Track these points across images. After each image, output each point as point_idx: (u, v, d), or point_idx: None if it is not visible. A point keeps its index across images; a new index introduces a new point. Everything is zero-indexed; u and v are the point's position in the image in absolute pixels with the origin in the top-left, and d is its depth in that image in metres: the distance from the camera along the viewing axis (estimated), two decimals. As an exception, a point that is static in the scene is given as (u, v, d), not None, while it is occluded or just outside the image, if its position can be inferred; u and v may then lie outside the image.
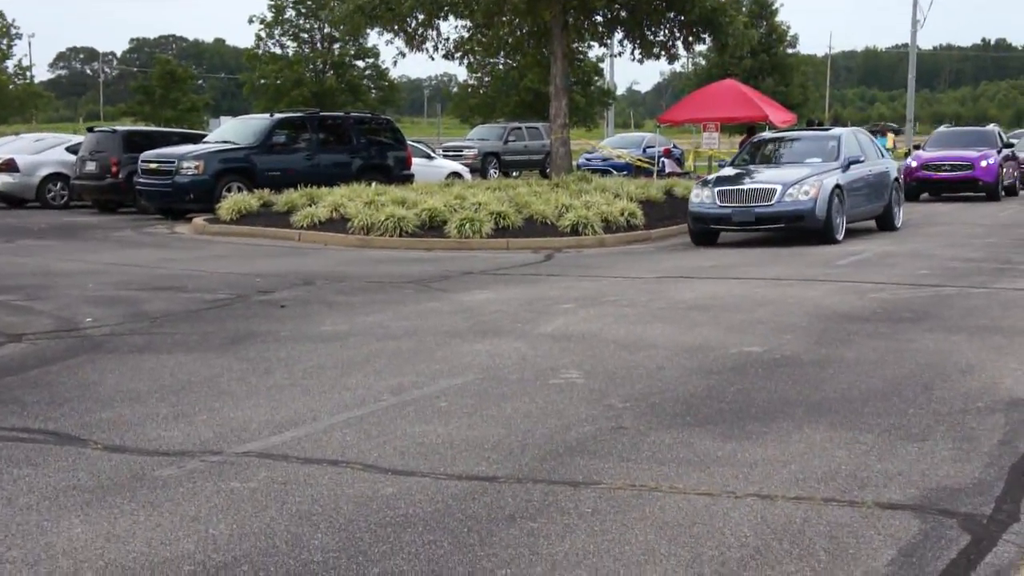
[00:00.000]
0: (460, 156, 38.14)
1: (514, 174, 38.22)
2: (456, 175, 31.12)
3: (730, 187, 18.42)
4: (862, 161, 19.57)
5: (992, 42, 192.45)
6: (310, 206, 20.42)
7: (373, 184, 22.41)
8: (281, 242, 19.36)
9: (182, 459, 6.15)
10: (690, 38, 25.29)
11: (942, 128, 36.39)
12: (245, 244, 19.08)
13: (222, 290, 13.01)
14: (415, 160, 27.97)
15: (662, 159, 32.26)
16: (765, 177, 18.66)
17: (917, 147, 33.25)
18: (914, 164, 30.43)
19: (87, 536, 4.97)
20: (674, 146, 38.30)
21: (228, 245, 18.90)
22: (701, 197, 18.58)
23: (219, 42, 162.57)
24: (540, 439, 6.48)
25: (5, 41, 67.25)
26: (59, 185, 28.25)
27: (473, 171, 35.48)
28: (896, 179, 21.29)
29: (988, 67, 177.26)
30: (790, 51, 56.80)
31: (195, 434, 6.66)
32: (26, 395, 7.72)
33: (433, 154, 33.93)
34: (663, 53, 25.44)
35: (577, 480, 5.72)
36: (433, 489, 5.59)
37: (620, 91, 63.83)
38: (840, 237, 18.33)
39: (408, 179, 25.59)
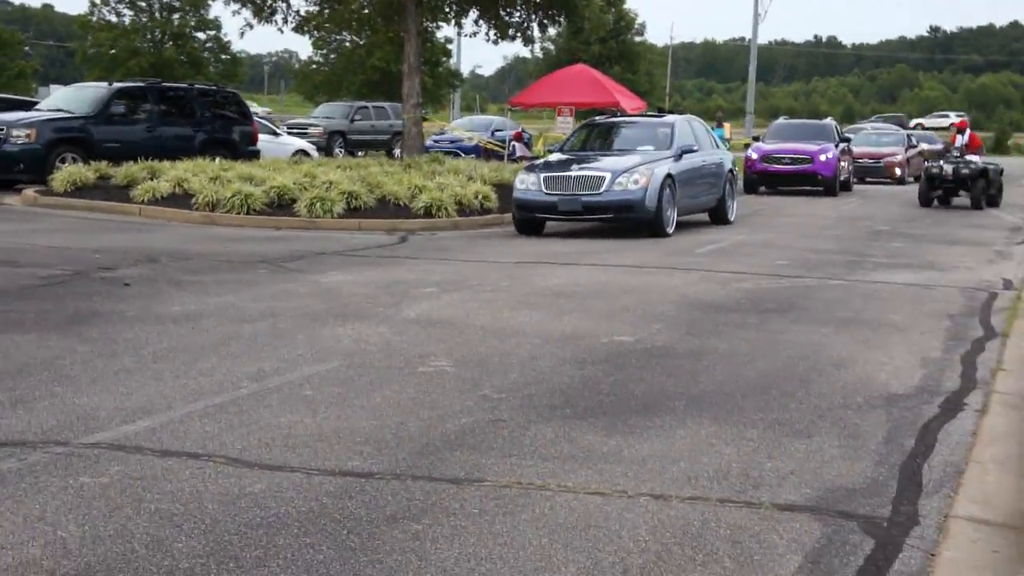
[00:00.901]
0: (306, 134, 37.28)
1: (360, 154, 37.52)
2: (303, 153, 30.37)
3: (557, 174, 17.50)
4: (695, 151, 18.88)
5: (824, 39, 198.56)
6: (151, 180, 19.57)
7: (218, 159, 21.62)
8: (121, 217, 18.49)
9: (23, 450, 5.60)
10: (545, 20, 25.11)
11: (780, 120, 36.28)
12: (82, 218, 18.16)
13: (58, 266, 12.25)
14: (261, 137, 27.16)
15: (513, 143, 32.05)
16: (594, 164, 17.82)
17: (756, 138, 33.08)
18: (754, 156, 29.99)
19: (-84, 540, 4.43)
20: (523, 130, 38.14)
21: (63, 219, 17.96)
22: (527, 184, 17.61)
23: (47, 8, 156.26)
24: (415, 431, 6.12)
25: None
26: None
27: (319, 149, 34.72)
28: (731, 171, 20.75)
29: (820, 63, 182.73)
30: (637, 39, 57.37)
31: (36, 422, 6.09)
32: None
33: (279, 131, 33.06)
34: (518, 35, 25.20)
35: (459, 477, 5.38)
36: (305, 486, 5.18)
37: (464, 74, 63.45)
38: (671, 230, 17.60)
39: (254, 155, 24.80)
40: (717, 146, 21.24)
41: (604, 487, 5.28)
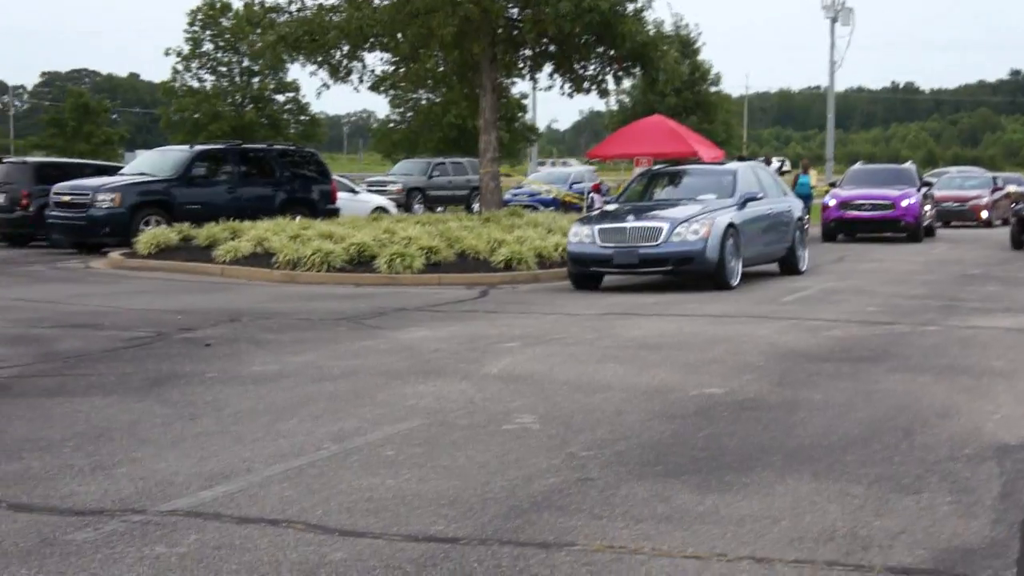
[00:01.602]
0: (384, 191, 37.47)
1: (439, 209, 37.61)
2: (382, 210, 30.45)
3: (612, 225, 16.61)
4: (760, 198, 17.83)
5: (901, 85, 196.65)
6: (232, 240, 19.65)
7: (298, 218, 21.68)
8: (203, 277, 18.55)
9: (99, 519, 5.43)
10: (620, 72, 24.95)
11: (858, 165, 34.87)
12: (165, 280, 18.24)
13: (141, 328, 12.22)
14: (340, 195, 27.28)
15: (591, 195, 31.84)
16: (651, 215, 16.89)
17: (833, 184, 31.91)
18: (832, 203, 28.85)
19: (-12, 616, 4.26)
20: (601, 182, 37.96)
21: (146, 281, 18.05)
22: (580, 236, 16.75)
23: (133, 76, 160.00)
24: (500, 493, 5.86)
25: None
26: (-34, 218, 27.01)
27: (398, 206, 34.83)
28: (800, 218, 19.62)
29: (898, 109, 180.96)
30: (713, 89, 57.03)
31: (114, 489, 5.93)
32: (-78, 445, 6.92)
33: (357, 188, 33.23)
34: (593, 87, 25.06)
35: (548, 541, 5.10)
36: (388, 552, 4.94)
37: (540, 129, 63.51)
38: (735, 282, 16.57)
39: (333, 213, 24.89)
40: (785, 192, 20.29)
41: (702, 550, 4.97)
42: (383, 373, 9.38)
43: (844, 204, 28.54)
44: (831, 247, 26.34)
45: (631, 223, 16.52)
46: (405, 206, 37.13)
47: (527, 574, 4.68)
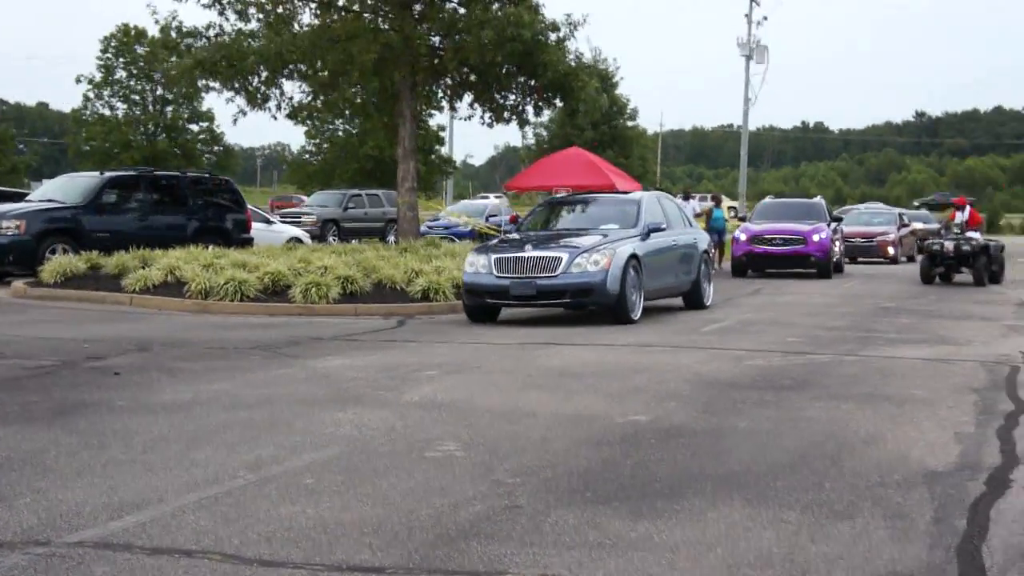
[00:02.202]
0: (299, 222, 37.03)
1: (353, 242, 37.26)
2: (296, 240, 30.04)
3: (509, 255, 15.80)
4: (663, 229, 17.18)
5: (811, 125, 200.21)
6: (143, 269, 19.16)
7: (211, 247, 21.25)
8: (112, 307, 18.07)
9: (0, 552, 5.11)
10: (540, 102, 24.95)
11: (768, 200, 34.26)
12: (72, 309, 17.72)
13: (46, 356, 11.79)
14: (254, 225, 26.85)
15: (509, 226, 31.75)
16: (550, 244, 16.15)
17: (743, 218, 31.31)
18: (743, 237, 28.06)
19: None
20: (517, 216, 37.92)
21: (52, 310, 17.52)
22: (476, 266, 16.00)
23: (42, 105, 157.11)
24: (426, 520, 5.65)
25: None
26: None
27: (312, 237, 34.41)
28: (706, 251, 19.12)
29: (808, 149, 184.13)
30: (630, 123, 57.54)
31: (16, 521, 5.61)
32: None
33: (272, 219, 32.79)
34: (513, 117, 25.02)
35: (478, 570, 4.91)
36: (309, 584, 4.70)
37: (457, 162, 63.38)
38: (636, 316, 15.90)
39: (248, 243, 24.46)
40: (690, 224, 19.68)
41: (637, 578, 4.80)
42: (300, 401, 9.12)
43: (754, 239, 27.91)
44: (746, 281, 26.52)
45: (529, 252, 15.78)
46: (320, 238, 36.71)
47: (456, 604, 4.47)
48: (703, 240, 19.38)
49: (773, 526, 5.60)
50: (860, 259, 36.01)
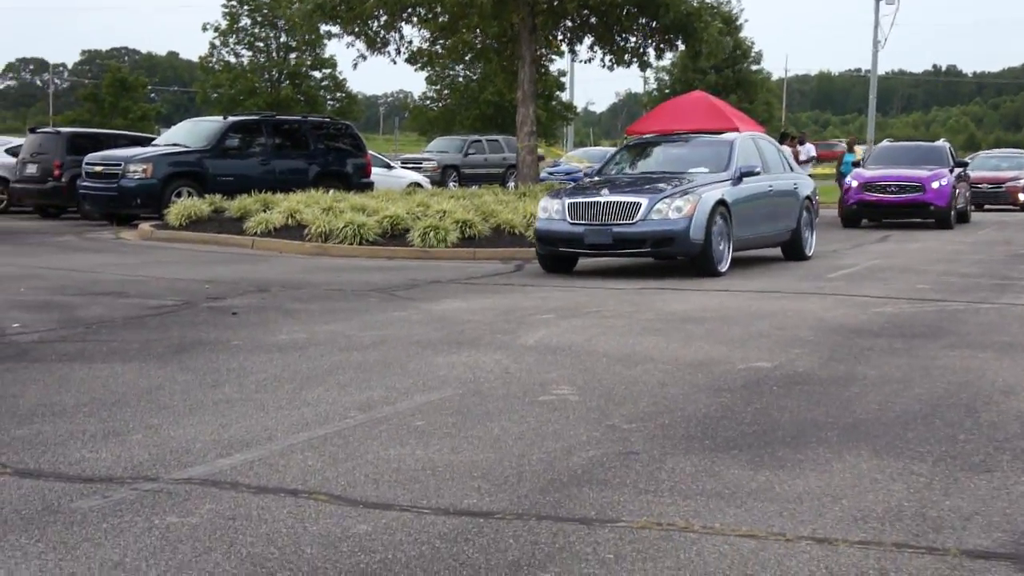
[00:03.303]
0: (420, 168, 37.11)
1: (474, 187, 37.24)
2: (417, 185, 30.08)
3: (585, 199, 14.56)
4: (758, 173, 15.70)
5: (943, 68, 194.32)
6: (264, 212, 19.34)
7: (331, 191, 21.33)
8: (234, 249, 18.26)
9: (109, 487, 5.08)
10: (662, 44, 24.41)
11: (885, 143, 31.56)
12: (195, 251, 17.96)
13: (167, 296, 11.91)
14: (374, 170, 26.92)
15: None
16: (630, 189, 14.86)
17: (857, 164, 28.58)
18: (854, 184, 25.80)
19: (-20, 587, 3.90)
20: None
21: (177, 252, 17.77)
22: (549, 211, 14.79)
23: (172, 55, 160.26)
24: (538, 465, 5.47)
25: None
26: (-2, 188, 26.90)
27: (433, 183, 34.44)
28: (808, 197, 17.51)
29: (939, 93, 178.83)
30: (754, 68, 56.33)
31: (127, 456, 5.58)
32: (-68, 408, 6.60)
33: (392, 164, 32.88)
34: (634, 60, 24.54)
35: (590, 517, 4.70)
36: (416, 526, 4.56)
37: (577, 110, 62.86)
38: (724, 268, 14.58)
39: (368, 187, 24.50)
40: (790, 168, 18.06)
41: (757, 529, 4.55)
42: (414, 343, 9.01)
43: (867, 185, 25.57)
44: (873, 229, 25.63)
45: (605, 197, 14.54)
46: (440, 183, 36.72)
47: (567, 551, 4.28)
48: (806, 186, 17.85)
49: (903, 478, 5.29)
50: (987, 206, 34.27)
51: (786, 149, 26.53)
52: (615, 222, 14.23)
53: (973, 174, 32.24)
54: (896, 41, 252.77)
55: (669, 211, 14.16)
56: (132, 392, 7.10)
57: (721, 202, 14.64)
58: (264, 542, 4.36)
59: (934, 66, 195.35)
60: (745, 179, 15.50)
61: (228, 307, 11.07)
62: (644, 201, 14.27)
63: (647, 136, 19.33)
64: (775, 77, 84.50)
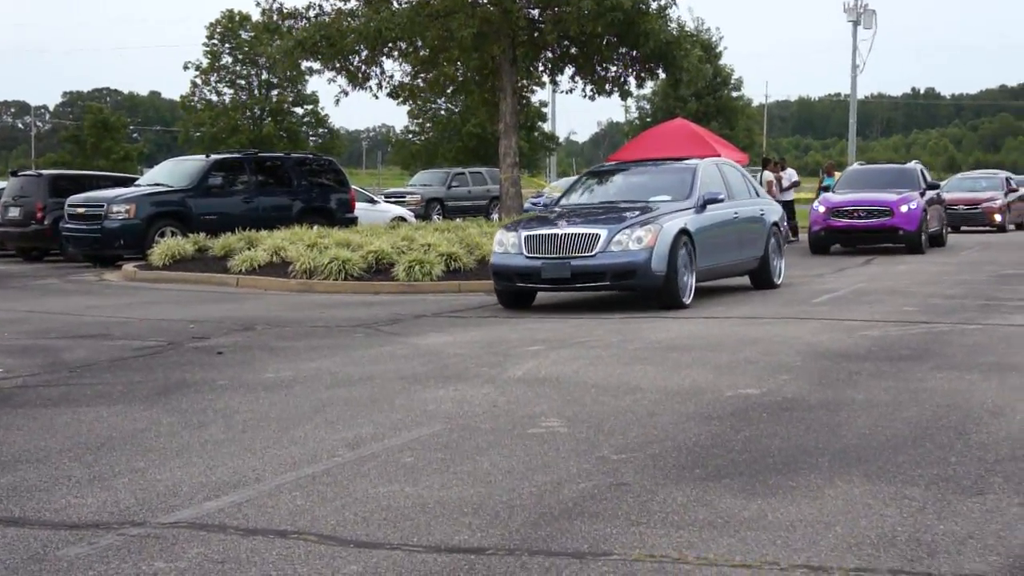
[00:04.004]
0: (403, 202, 37.12)
1: (458, 220, 37.25)
2: (401, 219, 30.06)
3: (541, 231, 13.83)
4: (722, 200, 15.00)
5: (922, 91, 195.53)
6: (249, 250, 19.29)
7: (315, 227, 21.29)
8: (218, 288, 18.20)
9: (95, 533, 5.02)
10: (643, 73, 24.51)
11: (855, 166, 30.06)
12: (179, 291, 17.89)
13: (152, 337, 11.84)
14: (358, 205, 26.92)
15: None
16: (588, 220, 14.16)
17: (826, 188, 27.59)
18: (821, 210, 24.62)
19: (-36, 639, 3.84)
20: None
21: (160, 292, 17.70)
22: (505, 245, 14.10)
23: (154, 95, 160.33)
24: (528, 499, 5.43)
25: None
26: (-19, 232, 26.78)
27: (417, 217, 34.45)
28: (776, 223, 16.85)
29: (919, 116, 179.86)
30: (735, 94, 56.59)
31: (113, 501, 5.53)
32: (-85, 457, 6.53)
33: (376, 198, 32.88)
34: (615, 89, 24.63)
35: (582, 550, 4.67)
36: (407, 565, 4.51)
37: (559, 140, 63.05)
38: (688, 300, 13.92)
39: (352, 222, 24.47)
40: (756, 194, 17.34)
41: (751, 559, 4.52)
42: (401, 378, 8.97)
43: (833, 211, 24.36)
44: (857, 253, 25.52)
45: (563, 229, 13.81)
46: (424, 217, 36.74)
47: (560, 587, 4.24)
48: (772, 211, 17.15)
49: (896, 503, 5.26)
50: (964, 228, 33.72)
51: (768, 175, 26.71)
52: (573, 255, 13.57)
53: (949, 195, 31.90)
54: (875, 65, 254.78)
55: (629, 242, 13.50)
56: (117, 435, 7.05)
57: (684, 231, 14.00)
58: (253, 585, 4.31)
59: (913, 89, 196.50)
60: (709, 206, 14.88)
61: (213, 347, 11.02)
62: (603, 232, 13.61)
63: (608, 164, 18.93)
64: (755, 103, 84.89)
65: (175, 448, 6.65)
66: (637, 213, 14.13)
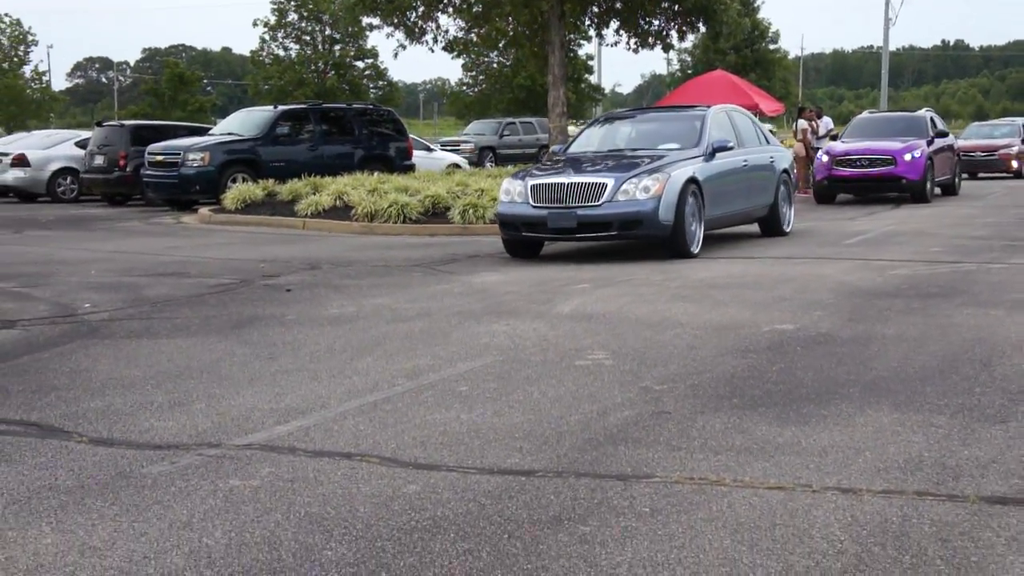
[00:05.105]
0: (458, 150, 37.02)
1: (509, 167, 37.13)
2: (455, 166, 30.02)
3: (547, 180, 12.94)
4: (731, 148, 14.04)
5: (952, 43, 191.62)
6: (314, 195, 19.34)
7: (375, 174, 21.31)
8: (286, 230, 18.29)
9: (175, 453, 5.10)
10: (684, 27, 24.17)
11: (863, 115, 27.51)
12: (250, 232, 18.01)
13: (226, 275, 11.95)
14: (416, 153, 26.87)
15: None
16: (595, 168, 13.22)
17: (834, 137, 25.59)
18: (825, 159, 22.77)
19: (58, 547, 3.93)
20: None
21: (233, 234, 17.82)
22: (511, 194, 13.21)
23: (226, 51, 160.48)
24: (576, 426, 5.44)
25: (22, 48, 66.02)
26: (69, 179, 27.07)
27: (471, 164, 34.37)
28: (785, 170, 15.85)
29: (948, 67, 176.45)
30: (772, 47, 55.77)
31: (192, 424, 5.60)
32: (11, 383, 6.66)
33: (432, 147, 32.83)
34: (658, 42, 24.33)
35: (626, 473, 4.67)
36: (462, 485, 4.55)
37: (605, 90, 62.51)
38: (695, 249, 13.01)
39: (410, 169, 24.46)
40: (767, 141, 16.16)
41: (785, 481, 4.51)
42: (456, 314, 8.99)
43: (837, 160, 22.54)
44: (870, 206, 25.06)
45: (569, 178, 12.89)
46: (477, 164, 36.64)
47: (606, 507, 4.25)
48: (782, 158, 16.13)
49: (922, 430, 5.22)
50: (981, 174, 32.57)
51: (803, 122, 26.30)
52: (579, 204, 12.68)
53: (967, 143, 31.15)
54: (906, 18, 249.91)
55: (636, 191, 12.58)
56: (195, 365, 7.13)
57: (692, 180, 13.09)
58: (320, 502, 4.36)
59: (943, 41, 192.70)
60: (718, 155, 13.89)
61: (282, 284, 11.10)
62: (610, 181, 12.69)
63: (618, 112, 18.14)
64: (791, 56, 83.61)
65: (247, 377, 6.73)
66: (645, 161, 13.25)
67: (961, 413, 5.52)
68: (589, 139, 15.28)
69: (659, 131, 14.77)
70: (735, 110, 16.14)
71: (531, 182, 13.07)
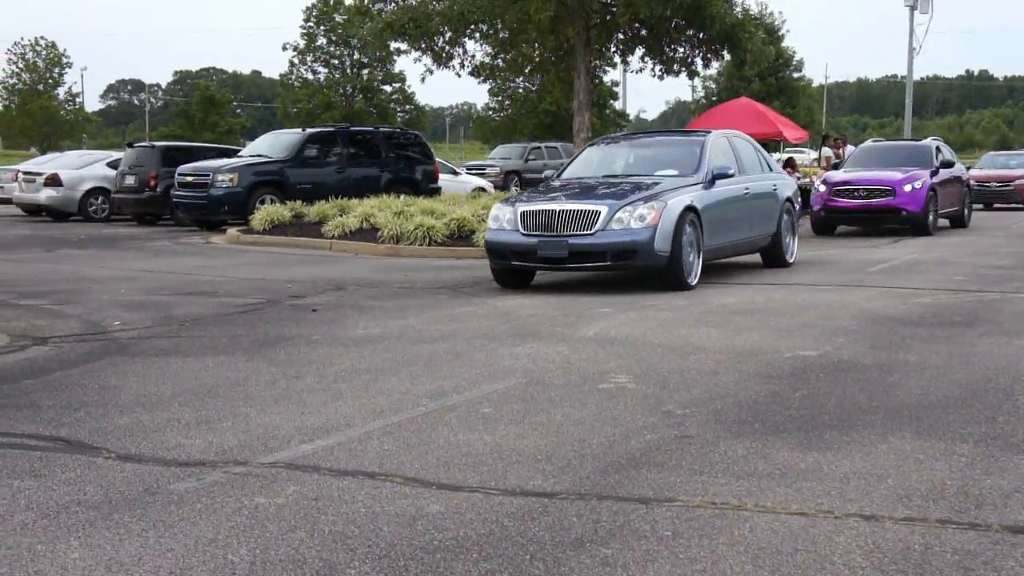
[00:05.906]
0: (484, 174, 37.17)
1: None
2: (481, 190, 30.10)
3: (538, 207, 12.22)
4: (732, 175, 13.36)
5: (975, 73, 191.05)
6: (341, 216, 19.44)
7: (402, 196, 21.39)
8: (312, 251, 18.37)
9: (202, 470, 5.12)
10: (709, 54, 24.20)
11: (868, 143, 26.20)
12: (277, 253, 18.09)
13: (253, 295, 12.00)
14: (442, 176, 26.97)
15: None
16: (588, 195, 12.51)
17: (836, 166, 24.66)
18: (822, 188, 21.45)
19: (85, 562, 3.95)
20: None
21: (261, 254, 17.92)
22: (500, 221, 12.52)
23: (256, 74, 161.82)
24: (598, 449, 5.43)
25: (57, 70, 66.76)
26: (100, 199, 27.29)
27: (496, 188, 34.49)
28: (789, 199, 15.12)
29: (972, 96, 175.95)
30: (796, 75, 55.78)
31: (218, 442, 5.63)
32: (42, 399, 6.71)
33: (458, 170, 32.95)
34: (683, 69, 24.36)
35: (648, 496, 4.66)
36: (485, 507, 4.54)
37: (630, 116, 62.67)
38: (693, 281, 12.35)
39: (436, 192, 24.55)
40: (769, 168, 15.46)
41: (807, 507, 4.49)
42: (480, 336, 9.00)
43: (835, 190, 21.21)
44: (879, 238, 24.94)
45: (561, 205, 12.18)
46: (503, 188, 36.75)
47: (627, 529, 4.25)
48: (786, 186, 15.33)
49: (945, 458, 5.19)
50: (996, 205, 31.69)
51: (827, 150, 26.25)
52: (571, 232, 11.99)
53: (981, 173, 30.71)
54: (930, 48, 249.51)
55: (631, 220, 11.92)
56: (222, 383, 7.16)
57: (690, 208, 12.40)
58: (344, 521, 4.37)
59: (967, 71, 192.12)
60: (718, 182, 13.26)
61: (308, 305, 11.14)
62: (603, 209, 12.01)
63: (615, 135, 17.52)
64: (816, 84, 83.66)
65: (274, 396, 6.75)
66: (641, 188, 12.58)
67: (984, 441, 5.48)
68: (585, 164, 14.57)
69: (657, 156, 14.18)
70: (736, 135, 15.44)
71: (521, 208, 12.41)
